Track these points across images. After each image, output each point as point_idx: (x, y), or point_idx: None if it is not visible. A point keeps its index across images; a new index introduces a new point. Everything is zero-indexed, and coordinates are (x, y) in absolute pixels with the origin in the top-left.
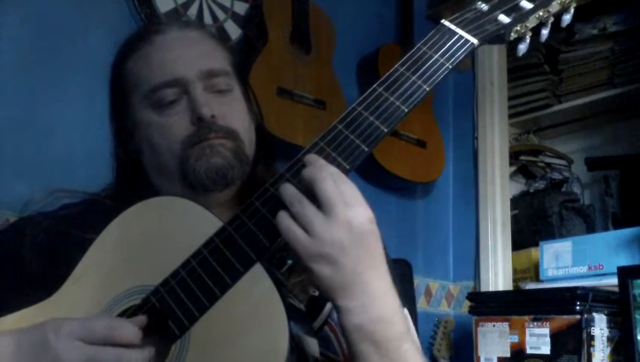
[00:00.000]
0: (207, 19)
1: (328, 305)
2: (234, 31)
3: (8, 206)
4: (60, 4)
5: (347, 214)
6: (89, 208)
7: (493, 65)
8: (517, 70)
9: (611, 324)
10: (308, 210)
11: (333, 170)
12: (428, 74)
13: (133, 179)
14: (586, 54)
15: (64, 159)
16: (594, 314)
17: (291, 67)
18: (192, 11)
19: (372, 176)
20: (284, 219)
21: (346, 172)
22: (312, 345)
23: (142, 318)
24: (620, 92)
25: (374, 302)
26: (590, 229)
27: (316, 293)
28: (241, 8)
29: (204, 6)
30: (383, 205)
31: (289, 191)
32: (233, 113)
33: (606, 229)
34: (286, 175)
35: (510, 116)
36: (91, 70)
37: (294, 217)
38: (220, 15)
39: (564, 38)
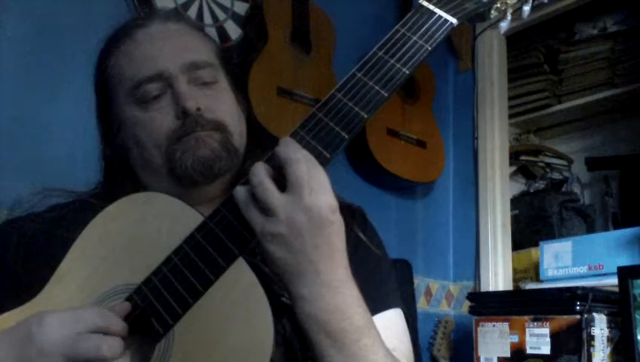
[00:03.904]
0: (208, 19)
1: None
2: (234, 31)
3: (8, 206)
4: (59, 3)
5: (310, 199)
6: (77, 209)
7: (493, 65)
8: (517, 70)
9: (611, 324)
10: (268, 190)
11: (307, 153)
12: (407, 56)
13: (120, 178)
14: (586, 54)
15: (63, 159)
16: (594, 314)
17: (291, 67)
18: (192, 11)
19: (372, 176)
20: (242, 196)
21: (327, 161)
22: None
23: (126, 305)
24: (620, 92)
25: (329, 291)
26: (590, 229)
27: None
28: (241, 8)
29: (204, 6)
30: (383, 205)
31: (255, 170)
32: (220, 105)
33: (606, 229)
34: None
35: (510, 116)
36: (91, 70)
37: (255, 197)
38: (220, 15)
39: (564, 38)
